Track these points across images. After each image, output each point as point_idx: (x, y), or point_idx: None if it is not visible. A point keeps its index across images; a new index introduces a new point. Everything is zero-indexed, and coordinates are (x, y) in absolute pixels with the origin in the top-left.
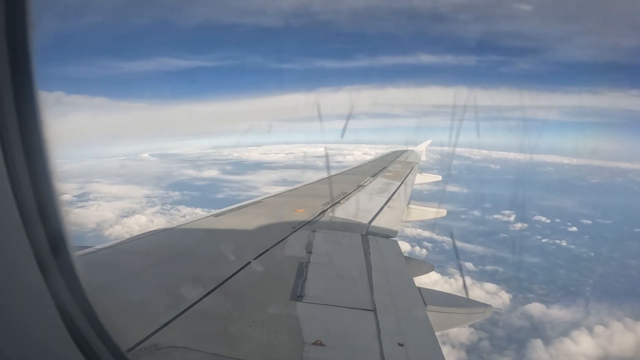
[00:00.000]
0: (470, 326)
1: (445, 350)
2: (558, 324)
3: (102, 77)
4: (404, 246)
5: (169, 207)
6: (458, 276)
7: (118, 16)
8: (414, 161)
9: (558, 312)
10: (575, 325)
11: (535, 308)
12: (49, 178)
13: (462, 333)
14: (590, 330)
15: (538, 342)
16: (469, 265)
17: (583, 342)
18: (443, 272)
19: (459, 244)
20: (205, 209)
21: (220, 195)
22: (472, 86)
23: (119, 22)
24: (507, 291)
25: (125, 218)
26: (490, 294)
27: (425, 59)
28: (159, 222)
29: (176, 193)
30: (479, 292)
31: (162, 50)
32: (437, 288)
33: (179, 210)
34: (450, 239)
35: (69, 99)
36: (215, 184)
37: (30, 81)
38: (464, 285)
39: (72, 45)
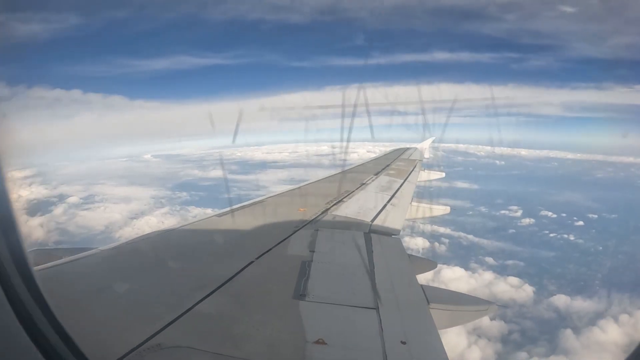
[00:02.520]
0: (501, 319)
1: (482, 343)
2: (584, 314)
3: (119, 75)
4: (422, 242)
5: (178, 207)
6: (482, 271)
7: (137, 14)
8: (417, 158)
9: (582, 303)
10: (600, 315)
11: (560, 300)
12: (3, 186)
13: (493, 326)
14: (616, 319)
15: (569, 332)
16: (489, 259)
17: (611, 331)
18: (467, 267)
19: (473, 239)
20: (215, 209)
21: (229, 195)
22: (478, 82)
23: (138, 20)
24: (530, 284)
25: (134, 220)
26: (514, 288)
27: (431, 56)
28: (170, 223)
29: (184, 193)
30: (504, 285)
31: (178, 48)
32: (461, 283)
33: (188, 211)
34: (466, 235)
35: (85, 97)
36: (223, 184)
37: None
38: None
39: (91, 43)
